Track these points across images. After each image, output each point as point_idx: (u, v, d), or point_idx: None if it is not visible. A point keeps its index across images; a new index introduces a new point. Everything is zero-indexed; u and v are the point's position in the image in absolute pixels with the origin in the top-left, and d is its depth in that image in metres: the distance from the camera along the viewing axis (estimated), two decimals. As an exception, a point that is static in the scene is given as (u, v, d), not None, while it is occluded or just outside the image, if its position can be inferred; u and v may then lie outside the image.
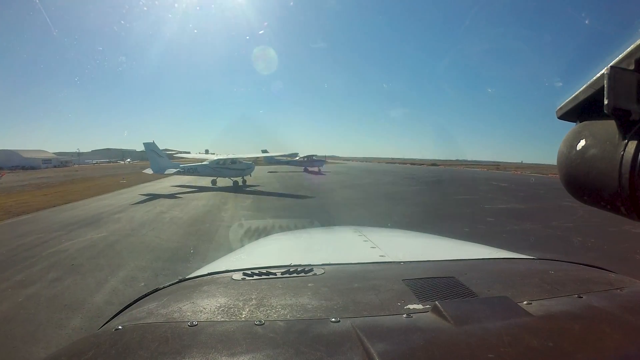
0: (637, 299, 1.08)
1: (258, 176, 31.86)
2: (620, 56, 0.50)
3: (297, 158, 46.08)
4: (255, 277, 1.26)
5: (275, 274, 1.29)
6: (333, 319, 0.88)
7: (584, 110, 0.58)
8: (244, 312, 0.94)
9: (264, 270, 1.32)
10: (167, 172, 22.45)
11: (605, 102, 0.49)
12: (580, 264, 1.56)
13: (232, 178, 23.95)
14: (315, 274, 1.29)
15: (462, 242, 2.49)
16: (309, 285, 1.16)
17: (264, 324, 0.86)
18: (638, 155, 0.48)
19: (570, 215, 13.75)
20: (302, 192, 20.96)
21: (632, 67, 0.49)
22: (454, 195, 21.56)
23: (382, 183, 29.86)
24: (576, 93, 0.58)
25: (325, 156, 47.47)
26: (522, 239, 9.48)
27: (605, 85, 0.49)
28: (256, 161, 27.05)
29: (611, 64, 0.50)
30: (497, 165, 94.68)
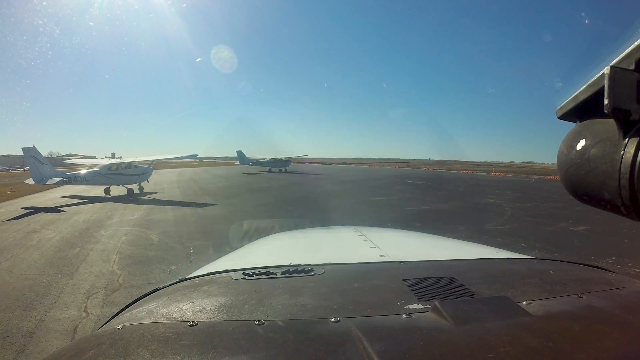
0: (637, 299, 1.08)
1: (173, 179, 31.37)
2: (620, 56, 0.50)
3: (267, 159, 50.36)
4: (255, 277, 1.26)
5: (275, 273, 1.29)
6: (333, 319, 0.88)
7: (584, 110, 0.58)
8: (244, 312, 0.94)
9: (264, 270, 1.32)
10: (49, 181, 19.32)
11: (605, 102, 0.49)
12: (581, 264, 1.57)
13: (126, 185, 21.60)
14: (315, 274, 1.28)
15: (462, 242, 2.51)
16: (309, 285, 1.16)
17: (264, 323, 0.86)
18: (638, 155, 0.48)
19: (500, 215, 13.75)
20: (204, 198, 19.59)
21: (632, 67, 0.49)
22: (371, 195, 21.39)
23: (295, 183, 29.93)
24: (576, 93, 0.57)
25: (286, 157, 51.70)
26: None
27: (605, 85, 0.49)
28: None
29: (611, 64, 0.50)
30: (407, 162, 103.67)
